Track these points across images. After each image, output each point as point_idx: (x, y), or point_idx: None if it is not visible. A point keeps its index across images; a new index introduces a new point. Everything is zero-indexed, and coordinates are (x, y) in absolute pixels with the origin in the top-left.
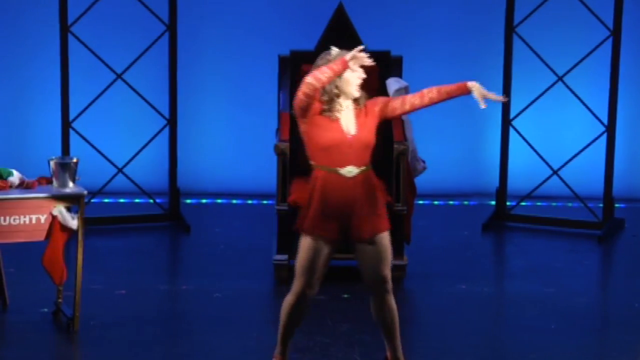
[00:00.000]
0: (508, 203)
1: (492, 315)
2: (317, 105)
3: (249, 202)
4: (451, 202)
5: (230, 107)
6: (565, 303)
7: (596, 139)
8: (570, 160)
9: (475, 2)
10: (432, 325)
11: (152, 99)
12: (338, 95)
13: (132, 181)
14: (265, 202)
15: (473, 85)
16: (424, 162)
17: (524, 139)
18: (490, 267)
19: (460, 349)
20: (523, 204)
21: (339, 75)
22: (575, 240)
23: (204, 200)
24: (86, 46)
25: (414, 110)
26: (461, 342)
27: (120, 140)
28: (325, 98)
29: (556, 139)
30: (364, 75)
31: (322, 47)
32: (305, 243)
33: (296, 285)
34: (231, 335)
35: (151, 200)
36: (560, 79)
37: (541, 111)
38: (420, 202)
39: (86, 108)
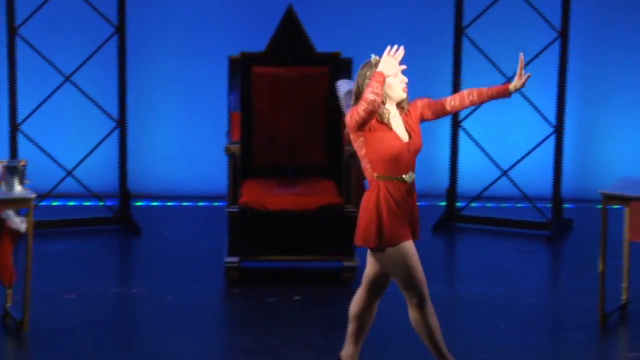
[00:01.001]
0: (458, 204)
1: (443, 316)
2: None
3: (200, 204)
4: None
5: (181, 109)
6: (515, 303)
7: (544, 139)
8: (519, 161)
9: (425, 4)
10: (383, 326)
11: (102, 101)
12: (384, 102)
13: (82, 184)
14: (216, 204)
15: (515, 86)
16: None
17: (473, 140)
18: (440, 268)
19: (410, 349)
20: (473, 204)
21: (383, 84)
22: (524, 241)
23: (154, 203)
24: (34, 48)
25: (453, 112)
26: (411, 343)
27: (69, 143)
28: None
29: (505, 140)
30: (406, 79)
31: (272, 48)
32: (394, 255)
33: (412, 297)
34: (183, 338)
35: (101, 203)
36: (509, 80)
37: (490, 112)
38: None
39: (34, 110)
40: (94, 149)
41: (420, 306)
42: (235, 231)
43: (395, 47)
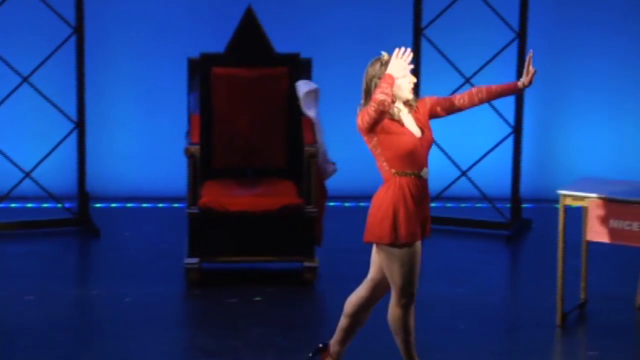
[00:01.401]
0: None
1: None
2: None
3: (160, 205)
4: (362, 204)
5: (140, 110)
6: (475, 303)
7: (503, 140)
8: (479, 161)
9: (384, 4)
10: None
11: (60, 102)
12: (393, 102)
13: (40, 186)
14: (175, 205)
15: (523, 82)
16: (334, 164)
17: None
18: None
19: (370, 350)
20: (432, 205)
21: (392, 85)
22: (484, 241)
23: (113, 205)
24: None
25: (462, 110)
26: (372, 344)
27: (27, 144)
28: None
29: (464, 141)
30: (414, 79)
31: (232, 49)
32: (405, 254)
33: (404, 299)
34: (143, 339)
35: (59, 205)
36: (467, 80)
37: None
38: (331, 204)
39: None
40: (52, 150)
41: (406, 306)
42: (195, 232)
43: (403, 49)
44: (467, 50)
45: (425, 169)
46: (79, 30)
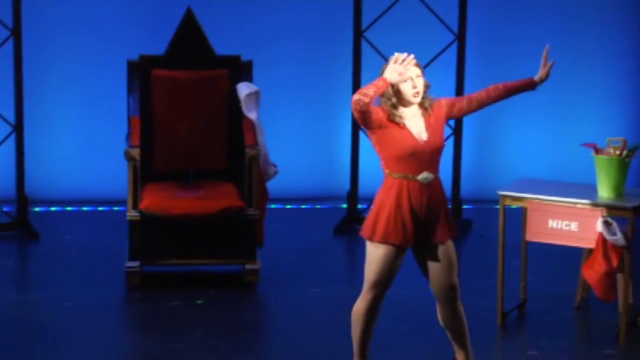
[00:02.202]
0: (359, 206)
1: (346, 318)
2: (382, 115)
3: (100, 209)
4: (303, 206)
5: (80, 113)
6: (416, 304)
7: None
8: None
9: (324, 7)
10: (286, 329)
11: None
12: (396, 106)
13: None
14: (116, 208)
15: (540, 77)
16: (275, 166)
17: None
18: (342, 270)
19: (314, 352)
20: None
21: (383, 91)
22: None
23: (53, 208)
24: None
25: (480, 108)
26: (315, 345)
27: None
28: (388, 104)
29: None
30: (419, 86)
31: (172, 51)
32: (377, 252)
33: (369, 294)
34: (84, 344)
35: None
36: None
37: None
38: (273, 206)
39: None
40: None
41: (370, 302)
42: (136, 236)
43: (405, 55)
44: (407, 51)
45: (424, 174)
46: (16, 33)
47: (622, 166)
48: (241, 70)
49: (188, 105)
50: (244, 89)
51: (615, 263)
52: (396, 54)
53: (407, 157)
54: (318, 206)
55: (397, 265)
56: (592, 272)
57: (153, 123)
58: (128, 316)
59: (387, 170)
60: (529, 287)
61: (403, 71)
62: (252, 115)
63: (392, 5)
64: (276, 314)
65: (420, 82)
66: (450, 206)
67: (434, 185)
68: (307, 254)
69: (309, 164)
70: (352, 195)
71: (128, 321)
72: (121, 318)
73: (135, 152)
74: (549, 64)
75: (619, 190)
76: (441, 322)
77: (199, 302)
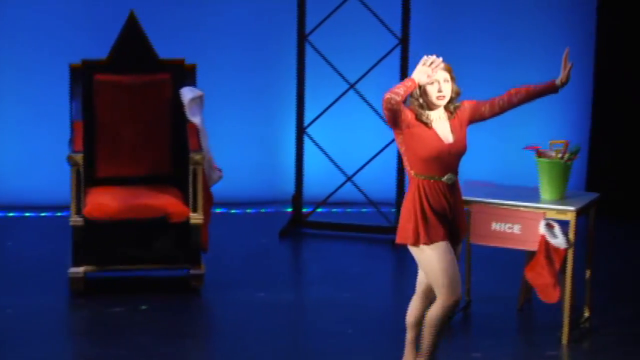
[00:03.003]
0: (304, 210)
1: (291, 322)
2: (410, 116)
3: (43, 214)
4: (248, 210)
5: (22, 118)
6: (362, 307)
7: (388, 145)
8: (364, 166)
9: (268, 10)
10: (232, 333)
11: None
12: (423, 107)
13: None
14: (59, 214)
15: (561, 80)
16: (220, 170)
17: (318, 146)
18: (288, 274)
19: (260, 356)
20: (319, 210)
21: (411, 91)
22: (369, 245)
23: None
24: None
25: (502, 112)
26: (261, 350)
27: None
28: (416, 104)
29: (350, 146)
30: (444, 92)
31: (114, 56)
32: (430, 255)
33: (450, 300)
34: (26, 351)
35: None
36: (352, 86)
37: (335, 118)
38: (217, 210)
39: None
40: None
41: (443, 309)
42: (79, 241)
43: (433, 57)
44: (351, 55)
45: (449, 175)
46: None
47: (564, 169)
48: (185, 74)
49: (131, 110)
50: (187, 93)
51: (557, 265)
52: (426, 56)
53: (433, 158)
54: (263, 210)
55: (453, 258)
56: (535, 274)
57: (96, 128)
58: (71, 322)
59: (412, 172)
60: (473, 290)
61: (431, 73)
62: (196, 119)
63: (336, 9)
64: (221, 318)
65: (446, 87)
66: (394, 209)
67: (457, 185)
68: (252, 258)
69: (253, 167)
70: (297, 198)
71: (71, 327)
72: (64, 324)
73: (79, 157)
74: (569, 66)
75: (561, 192)
76: (425, 320)
77: (143, 307)
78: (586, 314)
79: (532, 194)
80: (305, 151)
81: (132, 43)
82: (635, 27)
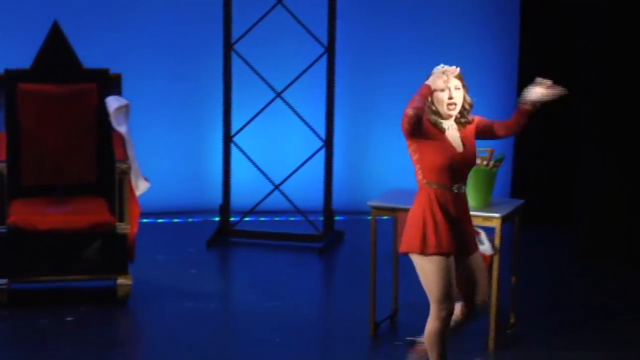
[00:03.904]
0: (232, 219)
1: (219, 331)
2: (426, 123)
3: None
4: (175, 220)
5: None
6: (289, 316)
7: (315, 153)
8: (291, 175)
9: (194, 19)
10: (160, 343)
11: None
12: (437, 113)
13: None
14: None
15: (523, 102)
16: (146, 179)
17: (245, 155)
18: (215, 283)
19: None
20: (247, 219)
21: (427, 97)
22: (297, 254)
23: None
24: None
25: (500, 138)
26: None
27: None
28: (429, 111)
29: (277, 154)
30: (455, 99)
31: (38, 65)
32: (433, 265)
33: (442, 313)
34: None
35: None
36: (278, 95)
37: (262, 127)
38: (145, 220)
39: None
40: None
41: (445, 320)
42: (3, 252)
43: (448, 66)
44: (278, 64)
45: (459, 185)
46: None
47: (489, 176)
48: (110, 83)
49: (56, 119)
50: (113, 103)
51: (484, 271)
52: (441, 65)
53: (445, 166)
54: (190, 219)
55: (454, 272)
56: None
57: (20, 137)
58: None
59: (424, 180)
60: (401, 298)
61: (447, 79)
62: (122, 128)
63: (262, 17)
64: (149, 328)
65: (458, 94)
66: (322, 218)
67: (465, 195)
68: (180, 268)
69: (180, 177)
70: (225, 207)
71: None
72: None
73: (2, 167)
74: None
75: (486, 199)
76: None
77: (69, 319)
78: (512, 320)
79: None
80: (233, 160)
81: (56, 52)
82: (557, 39)
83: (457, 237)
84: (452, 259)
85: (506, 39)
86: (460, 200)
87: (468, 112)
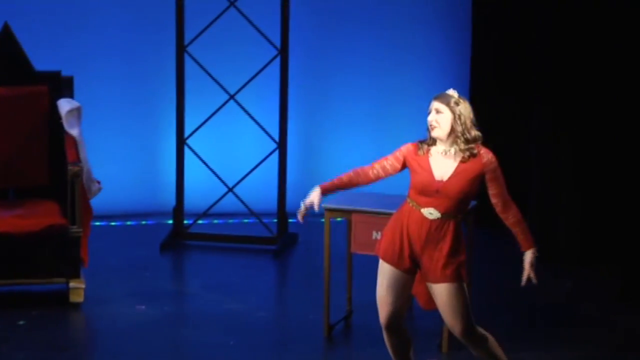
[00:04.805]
0: (185, 221)
1: (173, 334)
2: (411, 147)
3: None
4: (128, 223)
5: None
6: (244, 318)
7: (268, 155)
8: (245, 177)
9: (146, 21)
10: (113, 347)
11: None
12: (428, 138)
13: None
14: None
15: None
16: (99, 182)
17: (199, 157)
18: (169, 286)
19: None
20: (200, 222)
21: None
22: (252, 256)
23: None
24: None
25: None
26: None
27: None
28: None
29: (231, 157)
30: (433, 122)
31: None
32: (380, 267)
33: (380, 310)
34: None
35: None
36: (232, 97)
37: (215, 129)
38: (97, 223)
39: None
40: None
41: (382, 320)
42: None
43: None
44: (231, 66)
45: (430, 210)
46: None
47: None
48: (62, 86)
49: (7, 122)
50: (65, 105)
51: None
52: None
53: (417, 189)
54: (144, 222)
55: (398, 286)
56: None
57: None
58: None
59: (407, 194)
60: (355, 299)
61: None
62: (74, 131)
63: (215, 19)
64: (102, 332)
65: (439, 117)
66: (276, 220)
67: (443, 225)
68: (133, 271)
69: (133, 180)
70: (178, 210)
71: None
72: None
73: None
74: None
75: None
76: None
77: (21, 322)
78: None
79: None
80: (186, 162)
81: (7, 55)
82: (509, 40)
83: (415, 259)
84: (397, 273)
85: (458, 40)
86: (431, 227)
87: (469, 142)
